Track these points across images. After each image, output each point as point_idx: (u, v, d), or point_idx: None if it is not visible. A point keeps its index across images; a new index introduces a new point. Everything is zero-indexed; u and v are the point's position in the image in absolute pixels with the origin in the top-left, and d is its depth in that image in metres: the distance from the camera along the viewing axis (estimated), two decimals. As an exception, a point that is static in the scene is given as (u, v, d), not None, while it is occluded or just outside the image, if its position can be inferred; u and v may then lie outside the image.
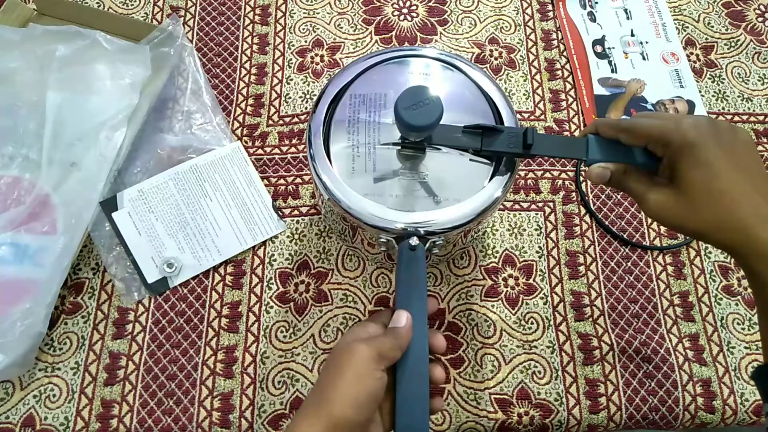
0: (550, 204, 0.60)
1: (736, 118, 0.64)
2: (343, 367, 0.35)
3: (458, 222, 0.42)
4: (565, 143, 0.41)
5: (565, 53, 0.68)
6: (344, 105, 0.46)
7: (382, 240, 0.43)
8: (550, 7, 0.70)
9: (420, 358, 0.37)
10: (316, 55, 0.66)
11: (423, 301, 0.39)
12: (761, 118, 0.64)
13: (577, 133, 0.63)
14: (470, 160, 0.43)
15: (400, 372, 0.37)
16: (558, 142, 0.41)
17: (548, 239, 0.58)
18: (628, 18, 0.70)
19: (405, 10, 0.69)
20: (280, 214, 0.58)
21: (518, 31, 0.68)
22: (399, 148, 0.44)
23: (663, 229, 0.59)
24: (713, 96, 0.66)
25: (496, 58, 0.67)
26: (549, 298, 0.55)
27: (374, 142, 0.44)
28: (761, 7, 0.70)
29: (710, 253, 0.58)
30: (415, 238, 0.40)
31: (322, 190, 0.43)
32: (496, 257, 0.57)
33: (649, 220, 0.59)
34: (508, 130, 0.42)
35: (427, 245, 0.42)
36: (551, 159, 0.61)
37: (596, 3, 0.71)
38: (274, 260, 0.57)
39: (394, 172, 0.43)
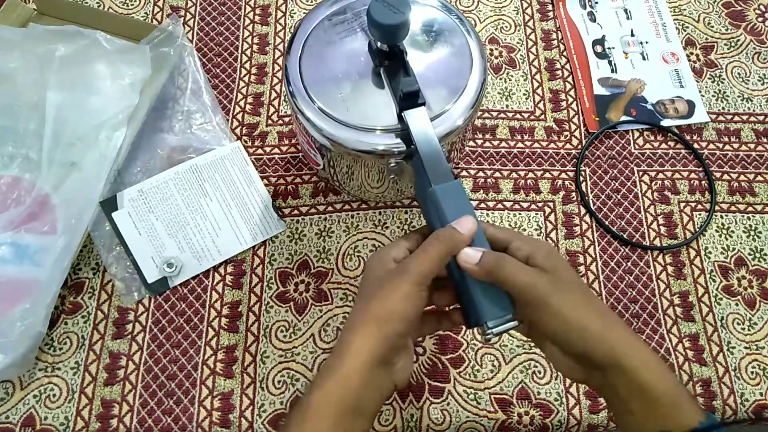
0: (550, 204, 0.60)
1: (736, 118, 0.64)
2: (388, 288, 0.36)
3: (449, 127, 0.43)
4: (460, 199, 0.39)
5: (565, 53, 0.68)
6: (318, 38, 0.47)
7: (392, 166, 0.44)
8: (550, 7, 0.70)
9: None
10: (316, 55, 0.66)
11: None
12: (761, 118, 0.64)
13: (577, 133, 0.63)
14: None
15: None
16: (456, 192, 0.39)
17: (548, 239, 0.58)
18: (628, 18, 0.70)
19: (405, 10, 0.69)
20: (280, 213, 0.58)
21: (518, 30, 0.68)
22: (375, 69, 0.45)
23: (663, 229, 0.59)
24: (713, 96, 0.66)
25: (496, 58, 0.67)
26: (549, 298, 0.55)
27: (352, 71, 0.45)
28: (761, 7, 0.71)
29: (710, 253, 0.58)
30: None
31: (312, 131, 0.45)
32: (496, 257, 0.57)
33: (650, 220, 0.59)
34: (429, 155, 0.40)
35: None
36: (551, 159, 0.62)
37: (596, 3, 0.71)
38: (274, 260, 0.57)
39: (374, 93, 0.45)
